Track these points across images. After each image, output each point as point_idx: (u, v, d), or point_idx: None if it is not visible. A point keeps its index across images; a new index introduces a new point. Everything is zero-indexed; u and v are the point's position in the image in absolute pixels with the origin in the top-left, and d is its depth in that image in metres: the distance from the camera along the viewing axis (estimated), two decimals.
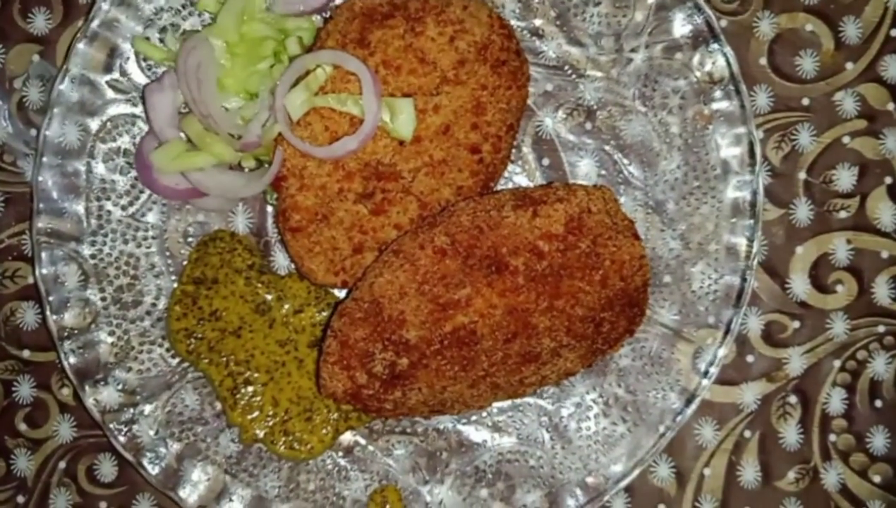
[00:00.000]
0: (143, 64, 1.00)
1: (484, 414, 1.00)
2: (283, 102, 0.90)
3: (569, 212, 0.88)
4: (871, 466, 1.03)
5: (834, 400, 1.03)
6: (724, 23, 1.02)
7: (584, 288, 0.89)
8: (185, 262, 1.00)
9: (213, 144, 0.94)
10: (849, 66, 1.03)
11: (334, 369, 0.90)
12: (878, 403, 1.03)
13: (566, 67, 1.01)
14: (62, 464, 1.04)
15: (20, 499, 1.04)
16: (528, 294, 0.87)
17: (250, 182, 0.94)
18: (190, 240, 1.01)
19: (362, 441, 1.00)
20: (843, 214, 1.03)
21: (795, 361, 1.03)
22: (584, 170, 1.01)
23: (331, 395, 0.91)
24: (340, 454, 1.00)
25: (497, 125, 0.92)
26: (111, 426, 0.98)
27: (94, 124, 0.99)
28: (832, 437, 1.03)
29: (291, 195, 0.91)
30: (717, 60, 0.97)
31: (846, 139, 1.03)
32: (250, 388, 0.98)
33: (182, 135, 0.97)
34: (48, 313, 0.98)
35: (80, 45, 0.97)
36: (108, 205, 1.00)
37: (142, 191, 1.00)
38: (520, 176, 1.01)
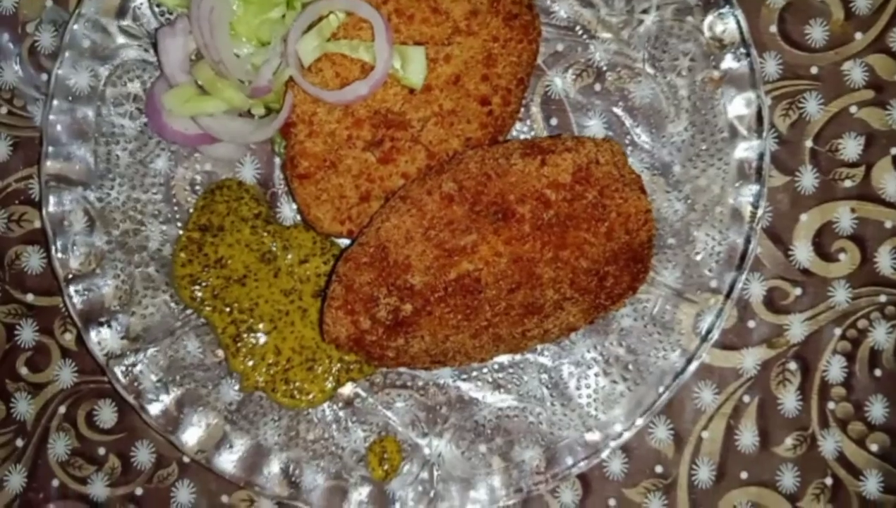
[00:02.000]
0: (156, 9, 1.00)
1: (484, 369, 1.00)
2: (296, 47, 0.90)
3: (577, 161, 0.89)
4: (868, 435, 1.03)
5: (834, 367, 1.03)
6: None
7: (590, 239, 0.89)
8: (191, 210, 1.01)
9: (223, 90, 0.94)
10: (858, 36, 1.03)
11: (338, 314, 0.90)
12: (878, 372, 1.03)
13: (577, 28, 1.01)
14: (62, 409, 1.04)
15: (19, 443, 1.04)
16: (533, 243, 0.87)
17: (260, 127, 0.94)
18: (197, 188, 1.01)
19: (363, 394, 1.00)
20: (848, 183, 1.03)
21: (796, 328, 1.03)
22: (592, 130, 1.01)
23: (334, 341, 0.91)
24: (340, 405, 1.00)
25: (507, 78, 0.92)
26: (114, 369, 0.98)
27: (104, 69, 0.99)
28: (831, 405, 1.03)
29: (300, 141, 0.92)
30: (728, 24, 0.98)
31: (853, 109, 1.03)
32: (253, 336, 0.99)
33: (193, 80, 0.97)
34: (54, 255, 0.98)
35: None
36: (117, 151, 1.00)
37: (150, 138, 1.01)
38: (527, 134, 1.02)
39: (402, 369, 0.98)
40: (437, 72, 0.90)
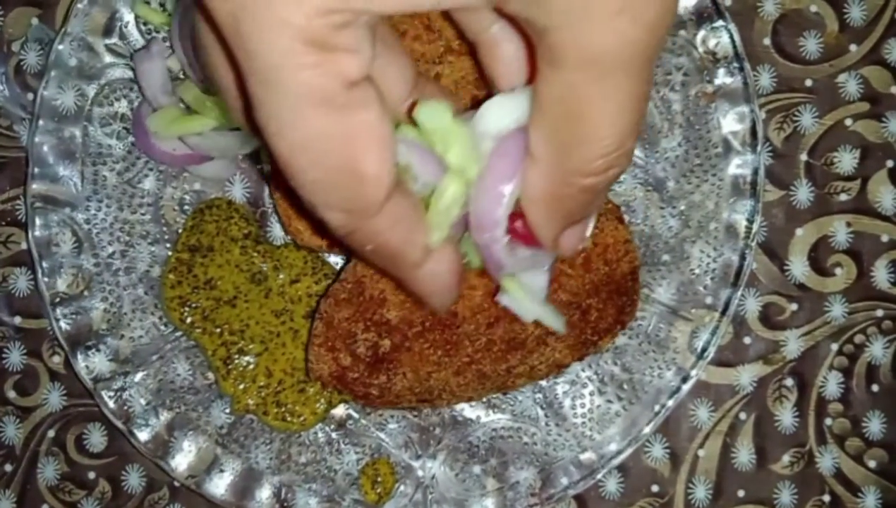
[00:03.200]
0: (143, 28, 0.99)
1: None
2: None
3: None
4: (866, 451, 1.02)
5: (830, 383, 1.02)
6: (728, 2, 1.02)
7: (567, 271, 0.88)
8: (179, 231, 0.99)
9: (211, 108, 0.93)
10: (853, 48, 1.02)
11: (320, 351, 0.89)
12: (875, 388, 1.02)
13: None
14: (51, 433, 1.03)
15: (8, 467, 1.03)
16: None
17: (248, 139, 0.93)
18: (186, 208, 1.00)
19: (355, 415, 0.99)
20: (843, 197, 1.02)
21: (793, 344, 1.02)
22: None
23: (318, 378, 0.91)
24: (333, 427, 0.99)
25: None
26: (102, 393, 0.97)
27: (91, 88, 0.98)
28: (828, 421, 1.02)
29: None
30: (721, 38, 0.97)
31: (848, 121, 1.02)
32: (244, 358, 0.97)
33: (177, 100, 0.96)
34: (41, 278, 0.97)
35: (80, 7, 0.96)
36: (104, 171, 0.99)
37: (138, 158, 0.99)
38: None
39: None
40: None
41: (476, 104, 0.87)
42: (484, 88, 0.90)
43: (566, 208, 0.60)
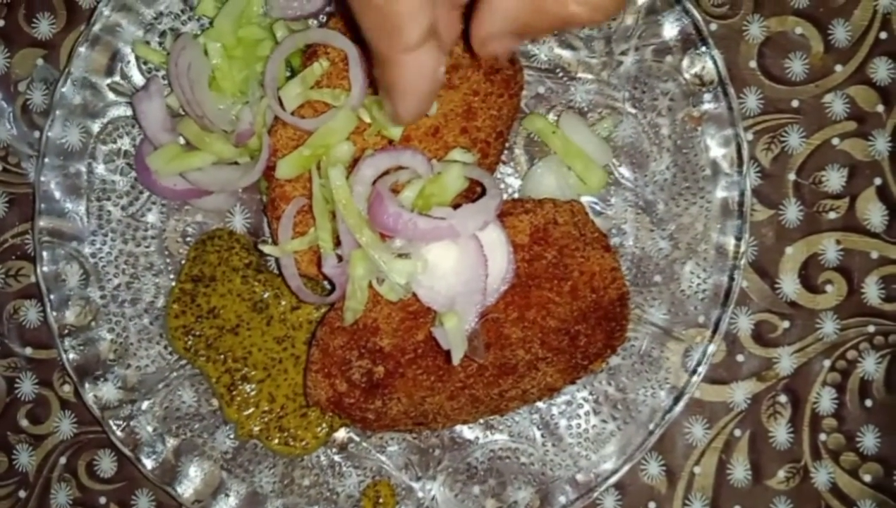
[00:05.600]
0: (144, 67, 1.02)
1: None
2: (279, 94, 0.91)
3: (534, 222, 0.90)
4: (861, 465, 1.03)
5: (824, 399, 1.04)
6: (713, 26, 1.04)
7: (554, 298, 0.90)
8: (183, 262, 1.02)
9: (211, 144, 0.96)
10: (838, 68, 1.04)
11: (317, 377, 0.92)
12: (869, 403, 1.03)
13: (557, 70, 1.02)
14: (63, 460, 1.06)
15: (21, 494, 1.06)
16: (496, 303, 0.88)
17: (246, 173, 0.96)
18: (188, 239, 1.03)
19: (356, 438, 1.02)
20: (832, 215, 1.04)
21: (785, 361, 1.03)
22: None
23: (316, 403, 0.93)
24: (335, 450, 1.02)
25: (486, 131, 0.93)
26: (110, 422, 1.00)
27: (95, 126, 1.02)
28: (822, 436, 1.03)
29: (281, 185, 0.93)
30: (706, 63, 0.98)
31: (835, 141, 1.04)
32: (247, 385, 1.00)
33: (178, 137, 0.99)
34: (49, 311, 1.00)
35: (82, 49, 0.99)
36: (109, 206, 1.02)
37: (141, 192, 1.02)
38: (511, 177, 1.03)
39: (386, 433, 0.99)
40: (417, 123, 0.92)
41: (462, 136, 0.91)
42: (472, 119, 0.93)
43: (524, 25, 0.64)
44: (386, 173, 0.89)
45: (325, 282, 0.99)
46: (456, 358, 0.85)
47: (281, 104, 0.92)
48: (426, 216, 0.85)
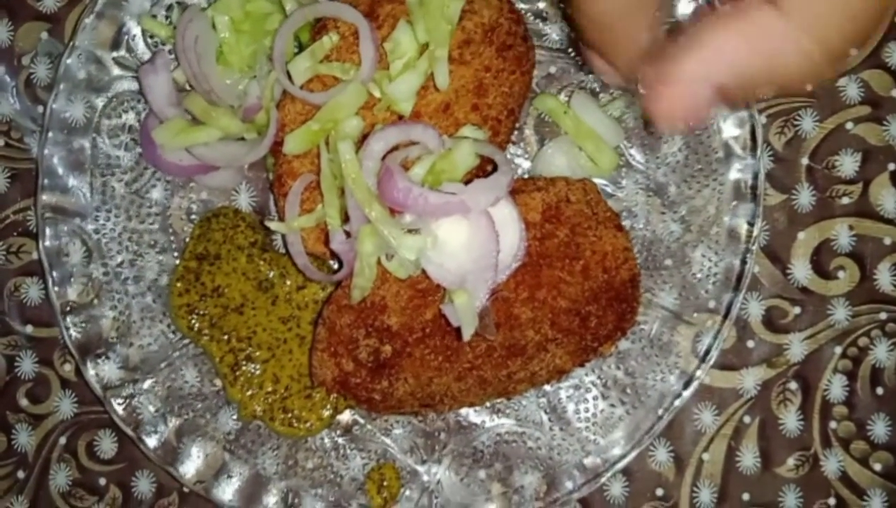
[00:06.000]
0: (150, 41, 1.00)
1: None
2: (287, 67, 0.90)
3: (546, 200, 0.89)
4: (871, 454, 1.02)
5: (835, 386, 1.02)
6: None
7: (566, 278, 0.89)
8: (187, 240, 1.01)
9: (218, 118, 0.94)
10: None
11: (323, 356, 0.90)
12: (880, 390, 1.02)
13: (570, 50, 1.01)
14: (62, 440, 1.04)
15: (20, 474, 1.04)
16: (506, 282, 0.87)
17: (253, 148, 0.94)
18: (193, 217, 1.02)
19: (361, 421, 1.00)
20: (845, 200, 1.03)
21: (796, 347, 1.02)
22: None
23: (321, 383, 0.92)
24: (339, 432, 1.00)
25: (497, 108, 0.92)
26: (111, 400, 0.98)
27: (99, 101, 1.00)
28: (832, 424, 1.02)
29: (288, 161, 0.92)
30: None
31: (849, 125, 1.03)
32: (251, 365, 0.99)
33: (184, 111, 0.97)
34: (51, 287, 0.98)
35: (88, 22, 0.98)
36: (113, 182, 1.01)
37: (146, 168, 1.01)
38: (521, 158, 1.01)
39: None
40: (427, 99, 0.90)
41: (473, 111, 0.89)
42: (483, 96, 0.91)
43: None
44: (396, 149, 0.87)
45: (332, 261, 0.98)
46: (466, 335, 0.84)
47: (290, 78, 0.90)
48: (437, 191, 0.84)
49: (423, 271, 0.86)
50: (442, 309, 0.86)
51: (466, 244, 0.84)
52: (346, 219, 0.89)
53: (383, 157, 0.87)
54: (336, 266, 0.98)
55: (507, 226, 0.85)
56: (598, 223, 0.90)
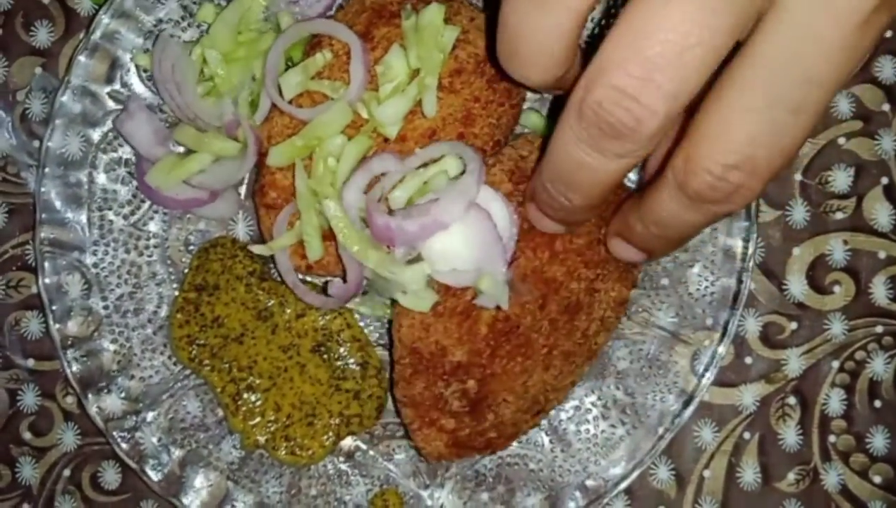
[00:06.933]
0: (144, 74, 1.01)
1: None
2: (279, 80, 0.91)
3: (504, 168, 0.88)
4: (871, 466, 1.03)
5: (833, 400, 1.03)
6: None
7: None
8: (186, 271, 1.01)
9: (211, 142, 0.95)
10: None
11: (423, 433, 0.90)
12: (878, 403, 1.03)
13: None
14: (66, 472, 1.05)
15: (25, 507, 1.05)
16: (524, 256, 0.87)
17: (243, 161, 0.95)
18: (191, 248, 1.02)
19: (363, 446, 1.01)
20: (839, 215, 1.03)
21: (794, 362, 1.03)
22: None
23: (439, 458, 0.92)
24: (342, 458, 1.01)
25: (484, 138, 0.92)
26: (114, 433, 0.99)
27: (95, 135, 1.01)
28: (832, 438, 1.03)
29: (272, 172, 0.93)
30: None
31: (842, 140, 1.03)
32: (252, 394, 0.99)
33: (171, 146, 0.98)
34: (51, 322, 0.99)
35: (82, 57, 0.98)
36: (110, 215, 1.01)
37: (143, 201, 1.01)
38: None
39: (515, 445, 0.98)
40: (414, 123, 0.91)
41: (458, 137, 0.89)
42: (470, 126, 0.91)
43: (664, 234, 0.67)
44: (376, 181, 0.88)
45: (318, 281, 0.99)
46: (505, 304, 0.85)
47: (279, 92, 0.91)
48: (410, 218, 0.84)
49: (445, 288, 0.86)
50: (476, 302, 0.86)
51: (466, 242, 0.84)
52: (325, 236, 0.91)
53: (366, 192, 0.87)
54: (321, 284, 0.98)
55: (490, 203, 0.85)
56: None
